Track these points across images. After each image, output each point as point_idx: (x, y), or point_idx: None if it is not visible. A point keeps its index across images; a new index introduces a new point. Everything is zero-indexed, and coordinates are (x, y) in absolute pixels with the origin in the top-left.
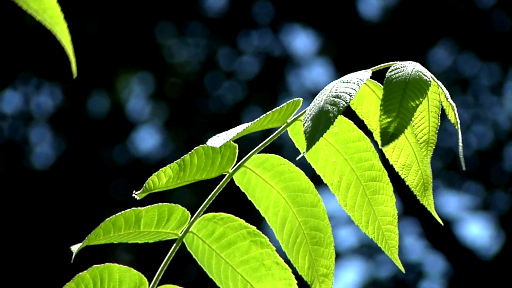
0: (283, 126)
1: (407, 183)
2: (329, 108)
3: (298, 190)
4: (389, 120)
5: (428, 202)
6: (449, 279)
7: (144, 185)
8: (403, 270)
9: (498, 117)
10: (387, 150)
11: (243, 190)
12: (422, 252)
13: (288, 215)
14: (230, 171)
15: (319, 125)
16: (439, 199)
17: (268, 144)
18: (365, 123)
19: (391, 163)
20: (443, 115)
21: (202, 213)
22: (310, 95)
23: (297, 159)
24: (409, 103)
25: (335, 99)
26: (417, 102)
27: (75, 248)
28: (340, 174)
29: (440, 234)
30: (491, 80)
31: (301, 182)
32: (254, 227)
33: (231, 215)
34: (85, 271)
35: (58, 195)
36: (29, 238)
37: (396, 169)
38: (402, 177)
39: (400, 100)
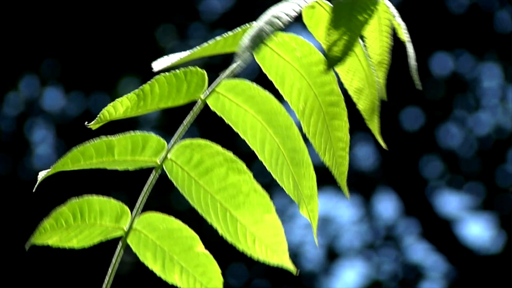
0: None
1: (357, 107)
2: (266, 28)
3: (271, 113)
4: (335, 39)
5: (373, 125)
6: (450, 279)
7: (99, 115)
8: (347, 196)
9: (501, 119)
10: (341, 74)
11: (219, 114)
12: (422, 252)
13: (266, 136)
14: (202, 96)
15: (254, 43)
16: (439, 199)
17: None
18: (322, 46)
19: (345, 87)
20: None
21: (178, 140)
22: None
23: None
24: (356, 21)
25: (274, 19)
26: (364, 18)
27: (41, 174)
28: (305, 100)
29: (441, 234)
30: (493, 82)
31: (272, 105)
32: (231, 153)
33: (208, 141)
34: (63, 206)
35: (58, 195)
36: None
37: (350, 93)
38: (354, 101)
39: (347, 19)
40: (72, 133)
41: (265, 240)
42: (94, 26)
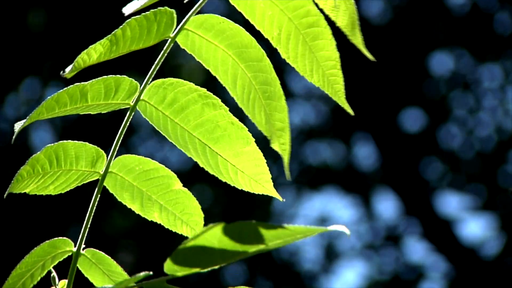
0: None
1: (337, 25)
2: None
3: (242, 46)
4: None
5: (357, 40)
6: (450, 279)
7: (73, 63)
8: (351, 112)
9: (502, 120)
10: None
11: (189, 52)
12: (422, 252)
13: (237, 72)
14: (172, 35)
15: None
16: (440, 200)
17: (203, 5)
18: None
19: (321, 7)
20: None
21: (150, 80)
22: None
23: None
24: None
25: None
26: None
27: (18, 126)
28: (279, 26)
29: (441, 235)
30: (494, 83)
31: (243, 38)
32: (204, 89)
33: (180, 80)
34: (39, 152)
35: (60, 196)
36: (30, 238)
37: (326, 12)
38: (332, 19)
39: None
40: (73, 134)
41: (247, 171)
42: (96, 27)
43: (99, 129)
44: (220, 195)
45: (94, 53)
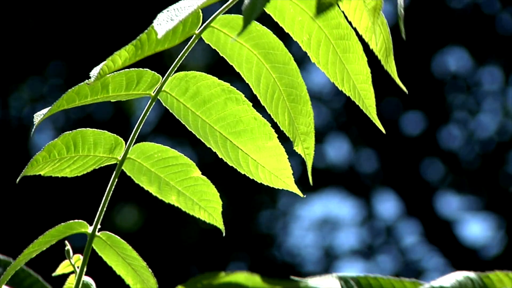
0: None
1: (371, 47)
2: None
3: (268, 48)
4: None
5: (391, 68)
6: None
7: (98, 71)
8: (382, 129)
9: (502, 121)
10: (349, 13)
11: (214, 47)
12: (423, 252)
13: (262, 71)
14: (197, 32)
15: (257, 4)
16: (440, 200)
17: (231, 6)
18: None
19: (354, 25)
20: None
21: (173, 72)
22: None
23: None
24: None
25: None
26: None
27: (37, 117)
28: (308, 32)
29: (442, 235)
30: (494, 85)
31: (270, 39)
32: (228, 84)
33: (203, 73)
34: (56, 139)
35: (60, 197)
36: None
37: (360, 32)
38: (366, 40)
39: None
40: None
41: (268, 166)
42: (98, 28)
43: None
44: (223, 197)
45: (119, 59)
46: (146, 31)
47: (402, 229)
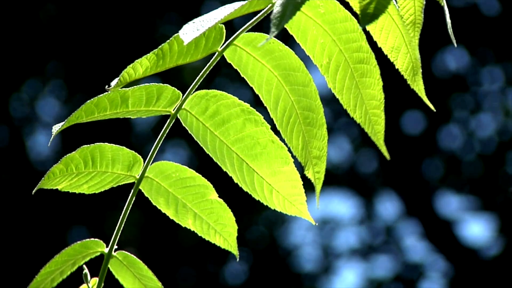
0: (268, 7)
1: (396, 67)
2: None
3: (289, 69)
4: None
5: (418, 87)
6: (450, 279)
7: (119, 78)
8: (388, 156)
9: (502, 121)
10: (374, 33)
11: (235, 67)
12: (423, 252)
13: (281, 93)
14: (219, 49)
15: (287, 11)
16: (440, 200)
17: (255, 23)
18: (350, 4)
19: (379, 45)
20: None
21: (194, 90)
22: None
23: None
24: None
25: None
26: None
27: (55, 128)
28: (329, 55)
29: (441, 235)
30: (494, 85)
31: (291, 60)
32: (247, 105)
33: (224, 93)
34: (73, 152)
35: (60, 197)
36: (31, 238)
37: (385, 52)
38: (392, 60)
39: None
40: (73, 137)
41: (282, 191)
42: (99, 30)
43: (102, 136)
44: (223, 196)
45: (140, 68)
46: (168, 41)
47: (402, 229)
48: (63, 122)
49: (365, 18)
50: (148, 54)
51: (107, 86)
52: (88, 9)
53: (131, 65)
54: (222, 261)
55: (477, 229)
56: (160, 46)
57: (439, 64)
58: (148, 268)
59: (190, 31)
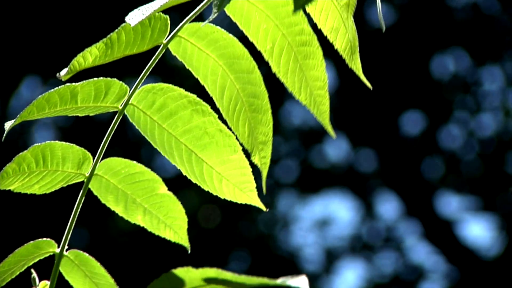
0: None
1: (335, 47)
2: None
3: (233, 57)
4: None
5: (356, 65)
6: (450, 280)
7: (69, 66)
8: (333, 135)
9: (502, 121)
10: (314, 14)
11: (180, 59)
12: (423, 252)
13: (226, 82)
14: (164, 41)
15: None
16: (440, 200)
17: (198, 14)
18: None
19: (319, 27)
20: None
21: (140, 85)
22: None
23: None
24: None
25: None
26: None
27: (7, 125)
28: (272, 40)
29: (442, 235)
30: (494, 84)
31: (235, 48)
32: (194, 96)
33: (170, 85)
34: (25, 151)
35: (61, 197)
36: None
37: (325, 33)
38: (331, 41)
39: None
40: (73, 137)
41: (232, 179)
42: (99, 30)
43: (100, 132)
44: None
45: (89, 56)
46: (116, 30)
47: (402, 229)
48: (15, 119)
49: (298, 2)
50: (97, 43)
51: (58, 74)
52: (88, 9)
53: (81, 54)
54: (222, 261)
55: (477, 229)
56: (108, 35)
57: (439, 64)
58: (101, 265)
59: (136, 16)
